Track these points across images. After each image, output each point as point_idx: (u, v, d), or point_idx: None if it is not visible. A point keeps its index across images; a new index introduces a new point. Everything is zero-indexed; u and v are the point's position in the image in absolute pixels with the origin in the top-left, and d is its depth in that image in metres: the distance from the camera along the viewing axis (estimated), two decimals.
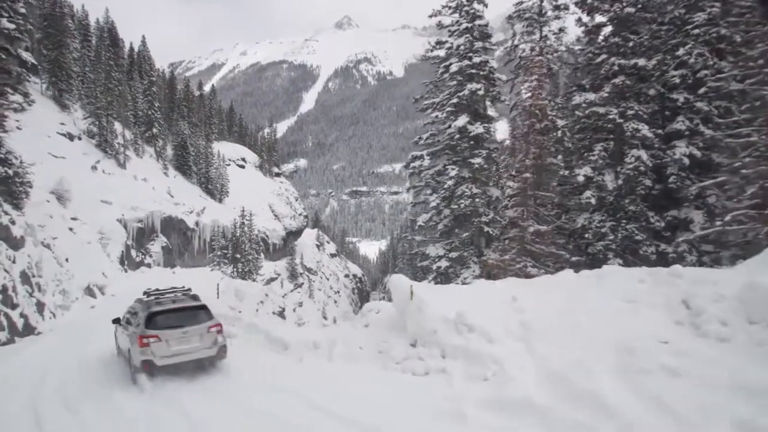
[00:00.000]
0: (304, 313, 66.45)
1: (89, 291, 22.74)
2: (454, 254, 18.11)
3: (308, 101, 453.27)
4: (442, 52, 21.43)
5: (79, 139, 42.16)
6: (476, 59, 19.31)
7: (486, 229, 17.57)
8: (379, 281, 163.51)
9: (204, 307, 9.97)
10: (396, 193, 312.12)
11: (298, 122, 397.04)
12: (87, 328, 17.56)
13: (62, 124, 41.22)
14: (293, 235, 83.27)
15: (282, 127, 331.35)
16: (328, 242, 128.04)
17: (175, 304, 9.93)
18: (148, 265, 40.02)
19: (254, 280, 36.53)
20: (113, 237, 33.52)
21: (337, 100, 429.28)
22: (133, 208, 39.42)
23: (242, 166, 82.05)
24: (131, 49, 68.82)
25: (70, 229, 27.50)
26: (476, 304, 9.72)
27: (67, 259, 22.77)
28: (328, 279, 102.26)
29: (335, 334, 11.31)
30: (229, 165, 76.54)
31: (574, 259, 14.43)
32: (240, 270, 35.30)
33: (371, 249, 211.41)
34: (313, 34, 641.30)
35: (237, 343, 11.52)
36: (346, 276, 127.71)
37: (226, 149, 79.63)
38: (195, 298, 10.64)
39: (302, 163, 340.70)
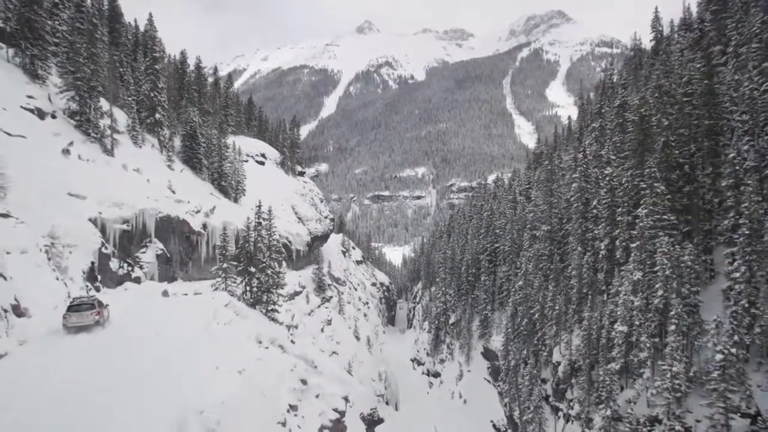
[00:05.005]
0: (335, 334, 56.39)
1: None
2: None
3: (329, 106, 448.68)
4: None
5: (53, 117, 32.91)
6: None
7: None
8: (406, 289, 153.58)
9: (91, 303, 19.03)
10: (419, 197, 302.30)
11: (320, 127, 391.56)
12: None
13: (30, 97, 32.04)
14: (319, 240, 73.36)
15: (303, 132, 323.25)
16: (353, 248, 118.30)
17: (80, 301, 19.29)
18: (137, 280, 30.32)
19: (275, 303, 26.31)
20: (79, 243, 23.88)
21: (358, 105, 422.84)
22: (117, 204, 29.83)
23: (262, 163, 72.64)
24: (136, 28, 60.11)
25: None
26: None
27: None
28: (356, 289, 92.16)
29: None
30: (246, 161, 67.27)
31: None
32: (255, 288, 25.20)
33: (395, 255, 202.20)
34: (334, 39, 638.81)
35: None
36: (373, 284, 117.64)
37: (243, 144, 70.45)
38: (92, 300, 19.66)
39: (323, 167, 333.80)
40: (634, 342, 25.83)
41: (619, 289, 29.04)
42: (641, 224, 27.21)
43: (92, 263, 24.82)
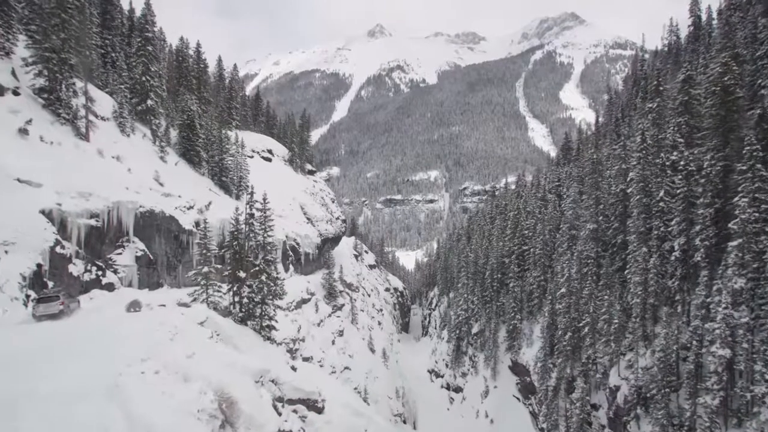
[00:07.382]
0: (347, 346, 50.59)
1: None
2: None
3: (341, 109, 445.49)
4: None
5: (15, 93, 27.80)
6: None
7: None
8: (420, 295, 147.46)
9: (57, 295, 20.48)
10: (432, 201, 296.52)
11: (331, 130, 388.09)
12: None
13: None
14: (329, 242, 67.75)
15: (315, 136, 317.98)
16: (366, 252, 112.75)
17: (48, 294, 20.67)
18: (109, 287, 24.89)
19: (271, 318, 20.55)
20: (19, 240, 18.57)
21: (369, 108, 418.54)
22: (83, 194, 24.49)
23: (268, 159, 67.36)
24: (131, 11, 55.29)
25: None
26: None
27: None
28: (369, 295, 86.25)
29: None
30: (251, 156, 62.08)
31: None
32: (246, 299, 19.55)
33: (408, 259, 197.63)
34: (345, 43, 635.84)
35: None
36: (387, 290, 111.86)
37: (248, 139, 65.28)
38: (58, 293, 20.67)
39: (335, 171, 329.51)
40: (742, 371, 19.71)
41: (707, 300, 22.96)
42: (743, 217, 21.13)
43: (39, 266, 19.52)
